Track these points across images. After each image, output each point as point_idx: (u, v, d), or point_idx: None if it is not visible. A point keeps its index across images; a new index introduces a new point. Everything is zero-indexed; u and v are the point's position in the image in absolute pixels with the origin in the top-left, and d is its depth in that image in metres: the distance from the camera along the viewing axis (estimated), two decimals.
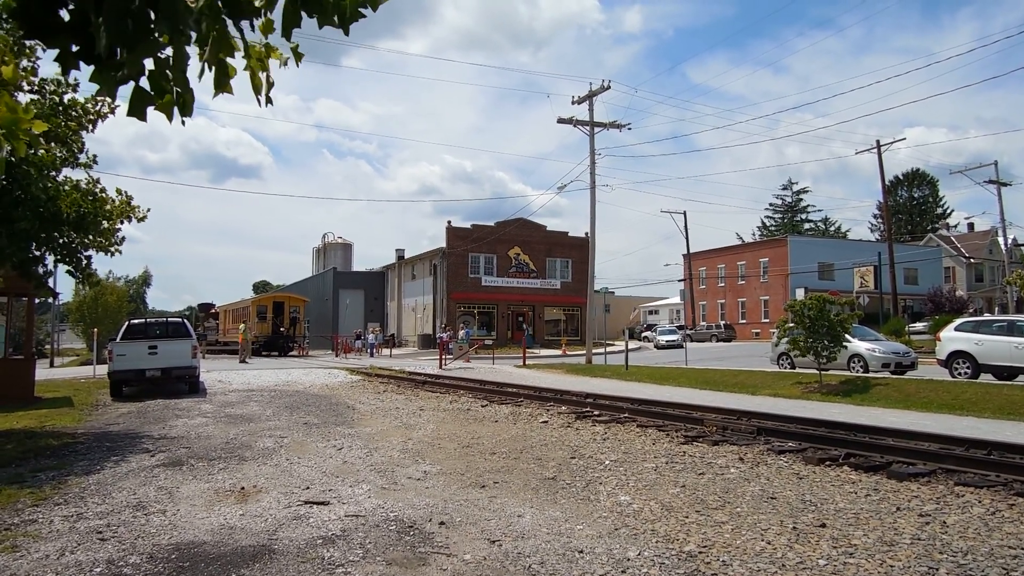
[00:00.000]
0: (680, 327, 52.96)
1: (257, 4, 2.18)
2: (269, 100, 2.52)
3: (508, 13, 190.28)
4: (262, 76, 2.41)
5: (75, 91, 10.41)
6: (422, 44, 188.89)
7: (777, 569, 4.50)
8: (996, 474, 6.94)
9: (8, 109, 2.41)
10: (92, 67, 2.04)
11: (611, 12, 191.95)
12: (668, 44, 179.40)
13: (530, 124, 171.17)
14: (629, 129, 30.63)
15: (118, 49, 1.98)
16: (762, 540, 5.10)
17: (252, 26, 2.24)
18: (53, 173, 10.45)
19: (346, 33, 2.34)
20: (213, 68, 2.24)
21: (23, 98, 10.02)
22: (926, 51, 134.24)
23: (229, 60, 2.28)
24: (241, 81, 2.54)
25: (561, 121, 29.84)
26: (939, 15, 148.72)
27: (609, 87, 28.83)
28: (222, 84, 2.31)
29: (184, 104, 2.24)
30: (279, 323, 40.70)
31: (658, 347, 46.21)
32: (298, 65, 2.48)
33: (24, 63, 9.65)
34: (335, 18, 2.22)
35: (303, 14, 2.19)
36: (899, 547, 4.89)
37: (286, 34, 2.25)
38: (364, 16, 2.29)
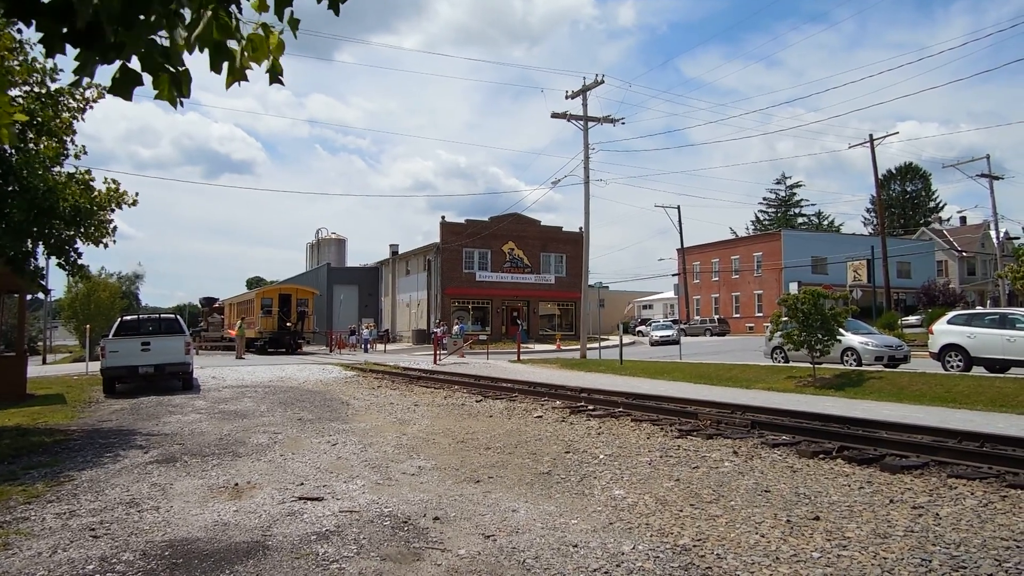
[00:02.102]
0: (674, 321, 52.98)
1: None
2: (278, 79, 2.48)
3: (502, 8, 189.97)
4: (257, 62, 2.39)
5: (53, 79, 10.32)
6: (416, 39, 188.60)
7: (771, 562, 4.51)
8: (988, 466, 6.97)
9: None
10: (78, 52, 2.01)
11: (605, 7, 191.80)
12: (662, 39, 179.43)
13: (524, 119, 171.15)
14: (623, 124, 30.74)
15: (106, 29, 1.95)
16: (756, 533, 5.11)
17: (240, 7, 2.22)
18: (56, 169, 10.41)
19: (336, 12, 2.32)
20: (220, 61, 2.22)
21: (14, 91, 9.97)
22: (918, 45, 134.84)
23: (230, 43, 2.26)
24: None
25: (555, 116, 29.81)
26: (932, 9, 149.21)
27: (603, 82, 28.81)
28: (234, 72, 2.29)
29: (180, 83, 2.22)
30: (286, 317, 37.21)
31: (652, 343, 43.28)
32: (295, 35, 2.45)
33: (20, 59, 9.61)
34: None
35: None
36: (893, 539, 4.91)
37: (279, 13, 2.23)
38: None
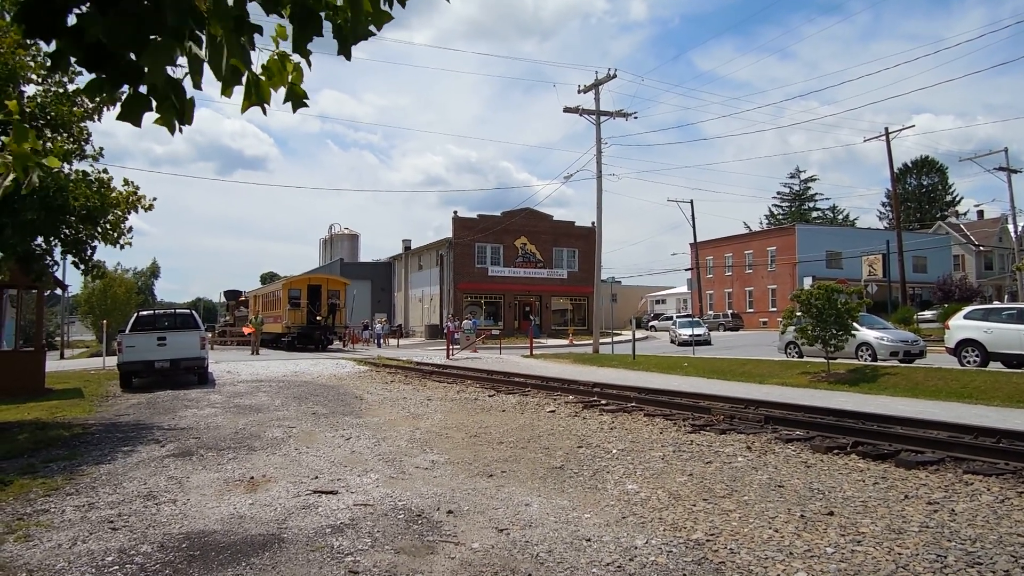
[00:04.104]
0: (688, 316, 52.59)
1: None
2: (303, 103, 2.49)
3: (514, 3, 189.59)
4: (275, 88, 2.41)
5: (72, 80, 10.41)
6: (427, 34, 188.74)
7: (785, 557, 4.50)
8: (1005, 462, 6.91)
9: (25, 143, 2.41)
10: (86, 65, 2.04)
11: (616, 0, 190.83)
12: (674, 32, 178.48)
13: (536, 114, 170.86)
14: (635, 118, 30.43)
15: (122, 54, 1.97)
16: (770, 528, 5.10)
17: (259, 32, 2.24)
18: (65, 166, 10.49)
19: (347, 57, 2.36)
20: (232, 86, 2.24)
21: (31, 89, 10.07)
22: (935, 37, 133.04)
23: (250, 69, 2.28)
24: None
25: (567, 110, 29.71)
26: (948, 0, 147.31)
27: (615, 76, 28.68)
28: (250, 97, 2.32)
29: (183, 111, 2.24)
30: (316, 311, 33.75)
31: (679, 343, 34.57)
32: (309, 67, 2.47)
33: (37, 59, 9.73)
34: (343, 36, 2.26)
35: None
36: (907, 535, 4.88)
37: (298, 50, 2.26)
38: (373, 34, 2.33)
